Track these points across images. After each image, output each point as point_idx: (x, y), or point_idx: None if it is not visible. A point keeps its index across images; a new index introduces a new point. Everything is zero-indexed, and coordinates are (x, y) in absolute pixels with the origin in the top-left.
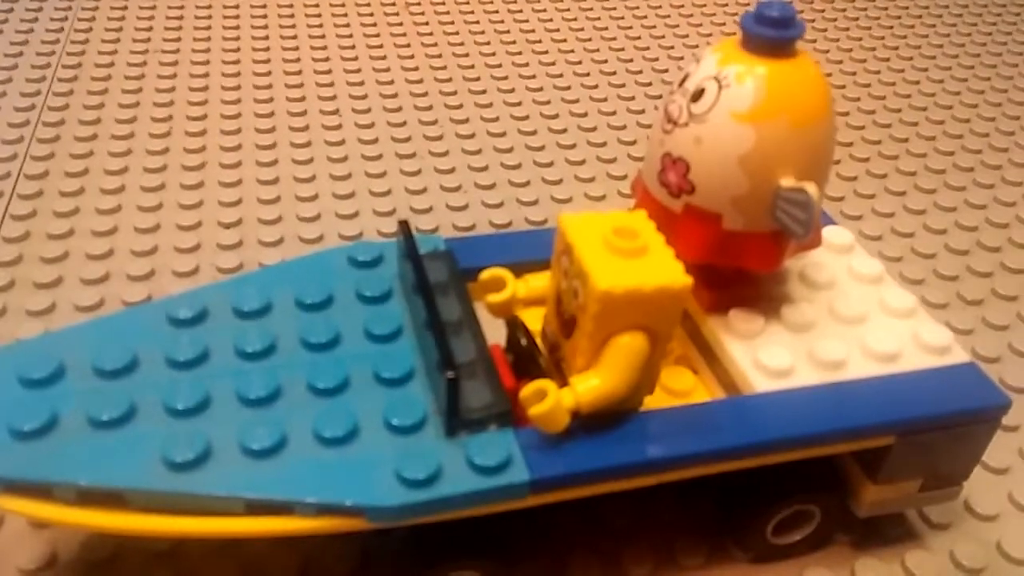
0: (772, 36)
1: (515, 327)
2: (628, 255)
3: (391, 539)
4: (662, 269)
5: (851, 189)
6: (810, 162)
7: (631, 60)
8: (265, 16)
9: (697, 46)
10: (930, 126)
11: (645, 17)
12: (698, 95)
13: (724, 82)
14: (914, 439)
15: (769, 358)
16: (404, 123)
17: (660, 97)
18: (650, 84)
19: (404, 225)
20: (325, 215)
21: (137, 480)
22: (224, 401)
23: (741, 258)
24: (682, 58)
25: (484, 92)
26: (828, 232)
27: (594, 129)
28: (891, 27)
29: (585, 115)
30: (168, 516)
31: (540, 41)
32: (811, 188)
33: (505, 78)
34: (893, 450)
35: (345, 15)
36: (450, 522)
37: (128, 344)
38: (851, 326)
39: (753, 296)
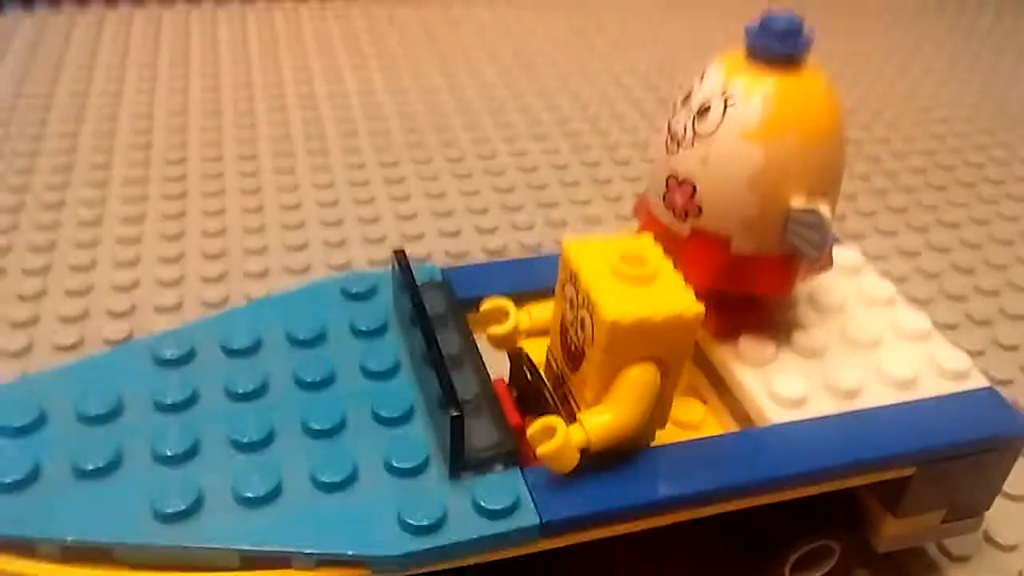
0: (779, 49)
1: (519, 360)
2: (637, 283)
3: None
4: (672, 297)
5: (852, 208)
6: (821, 180)
7: (620, 78)
8: (245, 41)
9: (689, 62)
10: (928, 140)
11: (634, 33)
12: (703, 113)
13: (730, 100)
14: (935, 469)
15: (783, 387)
16: (391, 146)
17: (653, 115)
18: (643, 100)
19: (400, 255)
20: (312, 243)
21: (125, 534)
22: (215, 446)
23: (751, 283)
24: (674, 71)
25: (472, 110)
26: (836, 253)
27: (588, 147)
28: (887, 32)
29: (578, 135)
30: (159, 572)
31: (531, 55)
32: (824, 208)
33: (494, 98)
34: (914, 481)
35: (328, 31)
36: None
37: (112, 387)
38: (865, 351)
39: (762, 321)
